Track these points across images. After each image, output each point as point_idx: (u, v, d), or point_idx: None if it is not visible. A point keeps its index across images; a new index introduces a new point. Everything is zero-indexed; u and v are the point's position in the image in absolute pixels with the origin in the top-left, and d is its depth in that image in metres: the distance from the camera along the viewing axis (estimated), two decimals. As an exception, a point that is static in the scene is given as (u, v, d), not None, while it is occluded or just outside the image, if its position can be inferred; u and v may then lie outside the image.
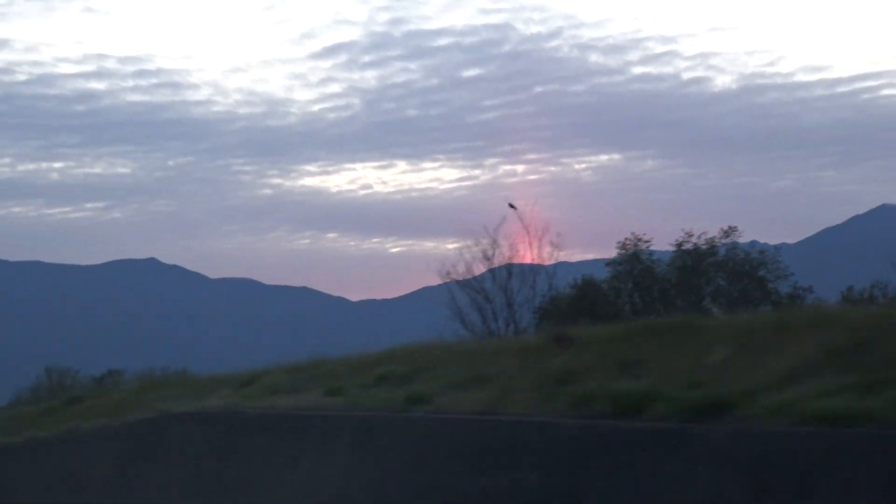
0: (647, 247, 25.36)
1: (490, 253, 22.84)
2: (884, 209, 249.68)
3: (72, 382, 37.56)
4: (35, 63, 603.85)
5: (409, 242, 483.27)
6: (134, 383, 26.45)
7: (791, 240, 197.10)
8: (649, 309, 23.80)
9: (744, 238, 25.49)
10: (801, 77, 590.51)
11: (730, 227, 26.85)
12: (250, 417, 12.30)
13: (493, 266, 23.22)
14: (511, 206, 23.30)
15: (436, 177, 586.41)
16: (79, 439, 14.82)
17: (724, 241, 25.00)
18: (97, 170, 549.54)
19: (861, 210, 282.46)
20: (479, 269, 23.13)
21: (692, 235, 25.04)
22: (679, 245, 25.20)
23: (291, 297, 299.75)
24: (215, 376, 17.64)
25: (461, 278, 23.04)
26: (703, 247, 25.56)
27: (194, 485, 11.86)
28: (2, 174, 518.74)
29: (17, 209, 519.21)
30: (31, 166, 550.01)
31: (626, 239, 25.82)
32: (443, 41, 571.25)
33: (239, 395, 14.06)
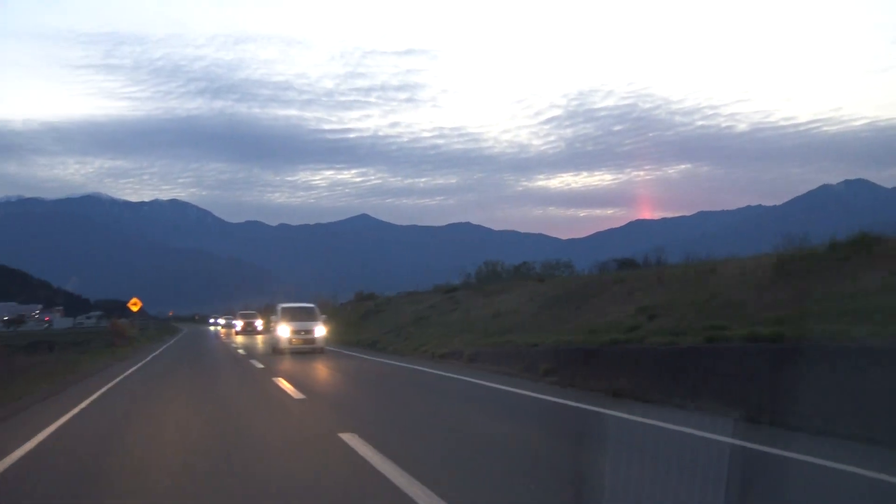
0: None
1: None
2: (825, 187, 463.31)
3: (500, 269, 44.08)
4: (411, 133, 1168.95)
5: (588, 211, 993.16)
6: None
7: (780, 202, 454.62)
8: None
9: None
10: (782, 123, 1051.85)
11: None
12: None
13: None
14: None
15: (601, 178, 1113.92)
16: None
17: None
18: (440, 181, 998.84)
19: (833, 181, 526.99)
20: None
21: None
22: None
23: (532, 239, 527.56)
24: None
25: None
26: None
27: None
28: (394, 185, 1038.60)
29: (406, 201, 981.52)
30: (408, 181, 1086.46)
31: None
32: (603, 113, 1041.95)
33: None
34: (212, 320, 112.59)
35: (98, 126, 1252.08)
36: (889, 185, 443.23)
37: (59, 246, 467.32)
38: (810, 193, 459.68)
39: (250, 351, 32.75)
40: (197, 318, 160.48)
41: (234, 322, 70.25)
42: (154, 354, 33.40)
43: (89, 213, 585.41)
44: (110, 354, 32.29)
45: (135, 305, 43.64)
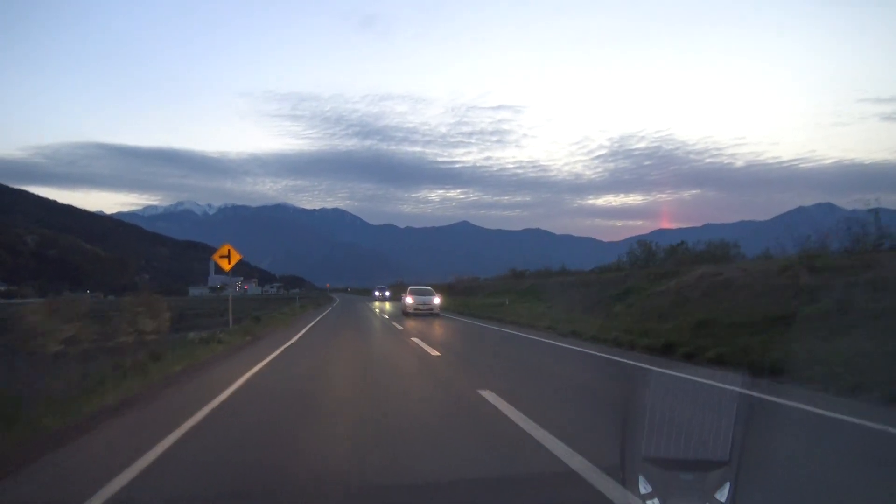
0: None
1: None
2: (801, 208, 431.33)
3: (655, 250, 29.81)
4: (499, 164, 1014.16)
5: (623, 222, 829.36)
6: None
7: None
8: None
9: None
10: (770, 160, 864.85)
11: None
12: None
13: None
14: None
15: (634, 199, 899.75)
16: None
17: None
18: (518, 199, 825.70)
19: (807, 203, 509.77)
20: None
21: None
22: None
23: (584, 242, 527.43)
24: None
25: None
26: None
27: None
28: (486, 201, 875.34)
29: (493, 212, 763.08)
30: (496, 198, 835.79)
31: None
32: (637, 152, 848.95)
33: None
34: (377, 293, 69.28)
35: (286, 157, 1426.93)
36: (849, 208, 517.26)
37: (258, 237, 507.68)
38: (789, 212, 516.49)
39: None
40: (349, 290, 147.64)
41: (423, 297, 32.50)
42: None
43: (279, 216, 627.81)
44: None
45: (223, 259, 18.22)
